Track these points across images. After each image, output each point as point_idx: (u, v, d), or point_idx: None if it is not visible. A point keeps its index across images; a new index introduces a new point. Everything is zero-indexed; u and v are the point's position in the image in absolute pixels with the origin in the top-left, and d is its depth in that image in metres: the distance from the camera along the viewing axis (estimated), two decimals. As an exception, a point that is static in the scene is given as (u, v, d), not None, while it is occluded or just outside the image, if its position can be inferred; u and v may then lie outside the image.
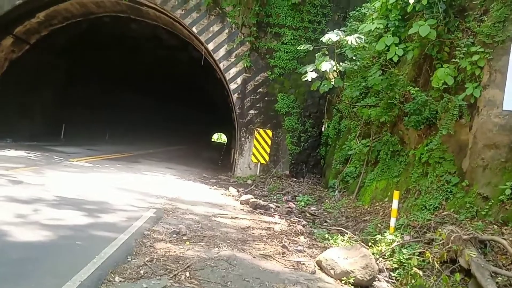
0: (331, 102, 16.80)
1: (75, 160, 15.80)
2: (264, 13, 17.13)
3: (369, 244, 7.52)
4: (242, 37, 17.16)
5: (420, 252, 6.87)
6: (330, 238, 8.20)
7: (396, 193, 8.18)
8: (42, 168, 12.49)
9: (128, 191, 10.74)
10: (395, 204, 8.10)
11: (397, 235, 7.59)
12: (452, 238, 6.26)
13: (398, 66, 11.45)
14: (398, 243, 7.26)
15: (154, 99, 40.33)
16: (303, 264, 6.52)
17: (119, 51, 27.57)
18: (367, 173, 12.05)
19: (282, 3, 17.18)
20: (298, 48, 11.57)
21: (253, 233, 7.99)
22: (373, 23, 9.76)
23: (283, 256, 6.75)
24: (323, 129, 15.71)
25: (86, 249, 5.72)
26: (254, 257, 6.47)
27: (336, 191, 12.90)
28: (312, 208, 11.59)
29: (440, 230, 6.75)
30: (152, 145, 31.13)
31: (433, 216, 7.92)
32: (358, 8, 14.50)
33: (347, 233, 8.37)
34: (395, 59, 9.34)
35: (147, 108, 41.77)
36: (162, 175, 15.56)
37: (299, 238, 8.04)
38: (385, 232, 8.02)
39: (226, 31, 17.34)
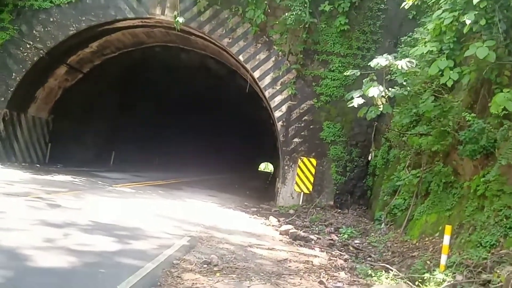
0: (379, 130, 16.10)
1: (118, 186, 15.90)
2: (311, 40, 16.89)
3: (416, 283, 6.79)
4: (289, 64, 16.95)
5: (475, 296, 6.10)
6: (373, 275, 7.51)
7: (448, 228, 7.41)
8: (84, 192, 12.57)
9: (164, 217, 10.52)
10: (446, 239, 7.33)
11: (448, 274, 6.81)
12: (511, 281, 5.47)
13: (452, 92, 10.73)
14: (449, 283, 6.50)
15: (203, 128, 40.83)
16: (342, 303, 5.91)
17: (169, 80, 28.19)
18: (417, 206, 11.22)
19: (330, 30, 16.89)
20: (345, 74, 11.14)
21: (289, 266, 7.46)
22: (425, 46, 9.17)
23: (320, 293, 6.18)
24: (370, 158, 14.98)
25: (108, 278, 5.42)
26: (288, 293, 5.94)
27: (383, 224, 12.10)
28: (356, 241, 10.89)
29: (498, 271, 5.94)
30: (199, 173, 31.27)
31: (489, 254, 7.08)
32: (410, 34, 13.93)
33: (392, 270, 7.64)
34: (450, 83, 8.68)
35: (196, 137, 42.33)
36: (203, 202, 15.33)
37: (339, 274, 7.42)
38: (434, 270, 7.25)
39: (273, 58, 17.20)
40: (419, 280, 6.78)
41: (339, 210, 15.46)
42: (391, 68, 10.90)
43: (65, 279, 5.19)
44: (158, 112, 32.04)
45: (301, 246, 9.68)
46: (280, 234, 10.78)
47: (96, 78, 21.47)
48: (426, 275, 6.83)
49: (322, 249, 9.57)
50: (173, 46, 20.98)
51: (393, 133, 14.13)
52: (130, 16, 17.32)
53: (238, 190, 23.80)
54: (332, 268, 7.66)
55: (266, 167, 73.20)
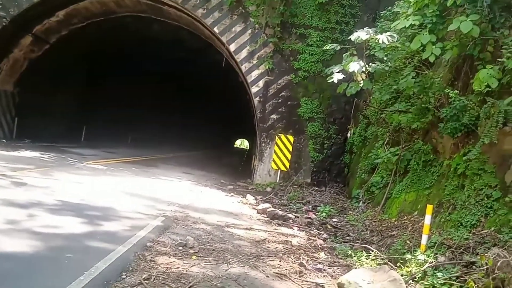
0: (358, 107, 15.92)
1: (89, 163, 15.32)
2: (289, 13, 16.39)
3: (398, 264, 6.65)
4: (266, 38, 16.46)
5: (457, 277, 5.97)
6: (353, 255, 7.36)
7: (429, 207, 7.28)
8: (52, 170, 11.99)
9: (138, 196, 10.11)
10: (427, 219, 7.19)
11: (430, 254, 6.68)
12: (498, 264, 5.35)
13: (433, 68, 10.53)
14: (431, 264, 6.36)
15: (177, 103, 40.01)
16: (323, 286, 5.71)
17: (141, 53, 27.27)
18: (395, 184, 11.12)
19: (308, 3, 16.43)
20: (324, 48, 10.79)
21: (268, 247, 7.22)
22: (407, 20, 8.87)
23: (300, 276, 5.95)
24: (348, 135, 14.79)
25: (75, 263, 5.04)
26: (268, 277, 5.70)
27: (361, 202, 12.01)
28: (334, 220, 10.76)
29: (483, 253, 5.83)
30: (174, 149, 30.67)
31: (470, 234, 6.99)
32: (390, 7, 13.61)
33: (372, 250, 7.49)
34: (432, 59, 8.43)
35: (170, 113, 41.52)
36: (178, 180, 14.94)
37: (319, 254, 7.23)
38: (415, 250, 7.13)
39: (249, 31, 16.68)
40: (401, 261, 6.63)
41: (316, 188, 15.31)
42: (370, 43, 10.63)
43: (27, 266, 4.78)
44: (130, 87, 31.07)
45: (279, 225, 9.46)
46: (258, 213, 10.54)
47: (63, 49, 20.47)
48: (407, 256, 6.69)
49: (301, 228, 9.38)
50: (145, 16, 20.12)
51: (372, 110, 13.96)
52: (99, -17, 16.47)
53: (213, 167, 23.46)
54: (312, 249, 7.47)
55: (242, 143, 72.89)
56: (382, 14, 14.02)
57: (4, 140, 17.79)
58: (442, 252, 6.67)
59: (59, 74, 21.84)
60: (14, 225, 6.04)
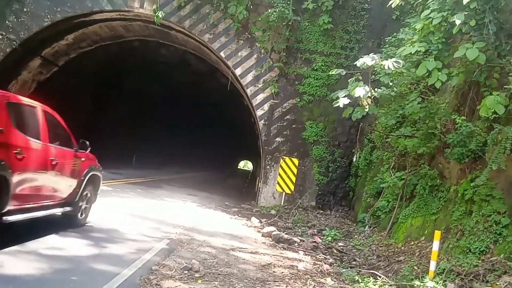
0: (363, 131, 15.96)
1: (94, 183, 15.31)
2: (294, 38, 16.61)
3: (407, 292, 6.57)
4: (271, 62, 16.63)
5: (467, 305, 5.90)
6: (360, 281, 7.26)
7: (437, 233, 7.21)
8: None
9: (143, 218, 10.09)
10: (435, 245, 7.12)
11: (439, 281, 6.59)
12: (509, 292, 5.29)
13: (438, 94, 10.61)
14: (440, 292, 6.30)
15: (183, 125, 40.23)
16: (331, 313, 5.64)
17: (148, 76, 27.58)
18: (401, 209, 11.07)
19: (313, 29, 16.64)
20: (330, 73, 10.89)
21: (274, 272, 7.15)
22: (413, 46, 8.96)
23: (307, 302, 5.89)
24: (354, 159, 14.75)
25: (81, 287, 5.01)
26: (274, 303, 5.63)
27: (367, 226, 11.92)
28: (340, 244, 10.67)
29: (493, 281, 5.76)
30: (178, 170, 30.71)
31: (480, 261, 6.93)
32: (395, 34, 13.77)
33: (380, 276, 7.41)
34: (438, 85, 8.48)
35: (175, 135, 41.71)
36: (183, 202, 14.91)
37: (325, 280, 7.15)
38: (423, 277, 7.04)
39: (255, 56, 16.86)
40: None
41: (321, 211, 15.24)
42: (375, 68, 10.73)
43: (33, 289, 4.77)
44: (136, 108, 31.35)
45: (284, 249, 9.40)
46: (263, 236, 10.48)
47: (72, 72, 20.74)
48: (416, 283, 6.60)
49: (306, 253, 9.31)
50: (153, 40, 20.40)
51: (377, 134, 13.99)
52: (108, 8, 16.71)
53: (218, 188, 23.42)
54: (318, 274, 7.39)
55: (245, 165, 72.87)
56: (387, 40, 14.16)
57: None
58: (451, 279, 6.59)
59: (66, 96, 22.06)
60: (20, 247, 6.02)
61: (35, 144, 6.58)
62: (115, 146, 29.99)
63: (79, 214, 8.19)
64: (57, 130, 7.56)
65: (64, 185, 7.58)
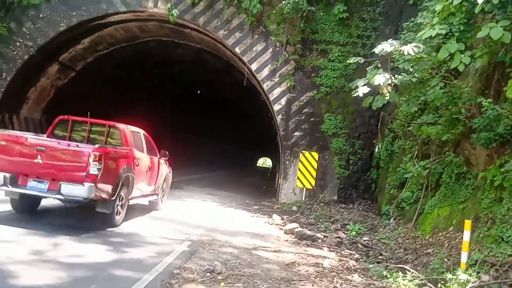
0: (383, 121, 15.58)
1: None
2: (309, 29, 16.27)
3: (438, 285, 6.28)
4: (287, 55, 16.35)
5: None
6: (389, 276, 6.99)
7: (467, 223, 6.91)
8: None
9: (163, 220, 10.00)
10: (466, 235, 6.81)
11: (472, 273, 6.29)
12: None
13: (460, 78, 10.20)
14: (475, 284, 6.00)
15: (200, 124, 40.22)
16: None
17: (165, 76, 27.57)
18: (427, 199, 10.71)
19: (328, 19, 16.28)
20: (348, 61, 10.58)
21: (298, 271, 6.94)
22: (433, 29, 8.59)
23: (334, 301, 5.66)
24: (376, 149, 14.37)
25: (100, 294, 4.90)
26: (300, 303, 5.43)
27: (391, 219, 11.60)
28: (365, 239, 10.38)
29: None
30: (197, 170, 30.50)
31: (514, 250, 6.59)
32: (412, 19, 13.35)
33: (409, 271, 7.12)
34: (461, 68, 8.11)
35: (193, 134, 41.70)
36: (203, 201, 14.79)
37: (352, 277, 6.90)
38: (455, 269, 6.74)
39: (270, 50, 16.61)
40: (441, 282, 6.25)
41: (344, 205, 14.94)
42: (393, 55, 10.40)
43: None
44: (154, 109, 31.39)
45: (308, 246, 9.17)
46: (285, 233, 10.27)
47: (89, 76, 20.82)
48: (448, 276, 6.30)
49: (331, 249, 9.07)
50: (168, 40, 20.33)
51: (398, 123, 13.62)
52: (122, 9, 16.69)
53: (237, 187, 23.28)
54: (344, 271, 7.15)
55: (264, 162, 72.64)
56: (404, 26, 13.75)
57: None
58: (485, 270, 6.28)
59: (85, 100, 22.16)
60: (38, 256, 5.96)
61: (142, 155, 9.97)
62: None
63: (160, 201, 11.74)
64: (149, 146, 10.95)
65: (153, 181, 10.93)
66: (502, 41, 7.56)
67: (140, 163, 9.63)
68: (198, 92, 32.37)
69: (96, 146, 7.95)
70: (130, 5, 16.72)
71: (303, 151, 15.89)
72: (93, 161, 7.58)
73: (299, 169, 15.76)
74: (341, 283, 6.39)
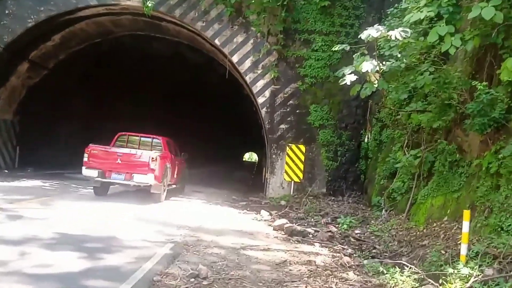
0: (371, 110, 15.23)
1: (94, 188, 14.72)
2: (291, 19, 15.81)
3: (440, 281, 5.89)
4: (269, 46, 15.87)
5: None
6: (385, 272, 6.58)
7: (466, 213, 6.51)
8: (53, 199, 11.38)
9: (145, 221, 9.46)
10: (465, 226, 6.42)
11: (474, 267, 5.90)
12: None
13: (448, 63, 9.84)
14: (478, 278, 5.62)
15: (182, 120, 39.50)
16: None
17: (143, 72, 26.85)
18: (419, 188, 10.38)
19: (310, 7, 15.84)
20: (333, 49, 10.14)
21: (290, 270, 6.49)
22: (421, 11, 8.19)
23: (330, 303, 5.23)
24: (365, 139, 13.98)
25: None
26: (294, 307, 4.98)
27: (383, 210, 11.24)
28: (357, 232, 10.01)
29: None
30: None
31: (517, 241, 6.23)
32: (396, 5, 12.98)
33: (407, 266, 6.73)
34: (452, 51, 7.74)
35: (175, 130, 40.94)
36: (188, 199, 14.28)
37: (348, 275, 6.48)
38: (455, 262, 6.37)
39: (251, 41, 16.11)
40: (442, 277, 5.86)
41: (333, 198, 14.58)
42: (379, 42, 10.01)
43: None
44: (134, 106, 30.61)
45: (299, 242, 8.75)
46: (274, 229, 9.83)
47: (63, 74, 20.04)
48: (449, 270, 5.92)
49: (323, 244, 8.65)
50: (144, 34, 19.66)
51: (386, 112, 13.28)
52: (93, 3, 15.96)
53: (223, 183, 22.80)
54: (339, 268, 6.73)
55: (250, 157, 72.24)
56: (389, 12, 13.37)
57: (6, 171, 17.25)
58: (488, 263, 5.91)
59: (60, 99, 21.41)
60: (2, 267, 5.37)
61: (171, 156, 14.03)
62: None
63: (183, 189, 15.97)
64: (175, 148, 15.14)
65: (177, 174, 14.72)
66: (494, 21, 7.22)
67: (171, 161, 13.83)
68: (186, 91, 31.76)
69: (153, 152, 12.82)
70: (101, -2, 16.05)
71: (290, 144, 15.49)
72: (151, 161, 12.21)
73: (286, 163, 15.35)
74: (336, 282, 5.96)
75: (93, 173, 12.24)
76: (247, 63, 16.14)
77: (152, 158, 12.19)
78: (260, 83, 16.04)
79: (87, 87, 23.36)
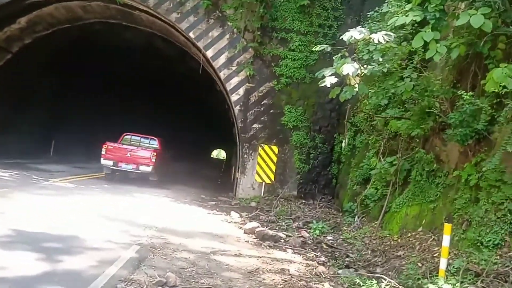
0: (345, 114, 15.07)
1: (56, 180, 13.98)
2: (269, 16, 15.48)
3: (419, 296, 5.67)
4: (245, 43, 15.49)
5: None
6: (362, 284, 6.32)
7: (447, 227, 6.31)
8: (11, 191, 10.62)
9: (108, 219, 8.89)
10: (446, 240, 6.22)
11: (456, 284, 5.69)
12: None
13: (428, 70, 9.71)
14: (459, 295, 5.42)
15: (151, 113, 38.57)
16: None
17: (113, 62, 25.96)
18: (393, 196, 10.24)
19: (289, 5, 15.54)
20: (314, 49, 9.84)
21: (263, 280, 6.13)
22: (407, 15, 7.99)
23: (307, 319, 4.91)
24: (343, 144, 13.73)
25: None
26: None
27: (356, 217, 11.06)
28: (329, 238, 9.79)
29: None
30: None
31: (498, 257, 6.09)
32: (377, 8, 12.84)
33: (384, 279, 6.49)
34: (437, 58, 7.55)
35: (144, 124, 40.02)
36: (155, 197, 13.71)
37: (323, 286, 6.19)
38: (433, 276, 6.18)
39: (227, 36, 15.68)
40: (421, 292, 5.64)
41: (304, 201, 14.34)
42: (358, 45, 9.80)
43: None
44: (102, 98, 29.61)
45: (271, 247, 8.40)
46: (245, 233, 9.45)
47: (28, 59, 19.05)
48: (430, 286, 5.70)
49: (295, 250, 8.35)
50: (115, 23, 18.85)
51: (361, 117, 13.13)
52: (63, -14, 15.22)
53: (191, 180, 22.26)
54: (313, 278, 6.42)
55: (219, 154, 71.58)
56: (369, 16, 13.22)
57: (-39, 158, 16.23)
58: (469, 280, 5.72)
59: (24, 85, 20.36)
60: None
61: (163, 152, 17.98)
62: (82, 138, 28.43)
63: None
64: (165, 145, 18.84)
65: (165, 166, 18.92)
66: (481, 30, 7.08)
67: (163, 156, 18.05)
68: (156, 82, 30.99)
69: (152, 149, 17.08)
70: (72, -18, 15.28)
71: (262, 144, 15.16)
72: (152, 156, 16.39)
73: (258, 163, 15.01)
74: (313, 295, 5.65)
75: (109, 163, 16.37)
76: (222, 58, 15.70)
77: (152, 154, 16.50)
78: (235, 80, 15.64)
79: (53, 74, 22.35)
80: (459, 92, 7.46)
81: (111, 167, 16.37)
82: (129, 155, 16.37)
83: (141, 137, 18.27)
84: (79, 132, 28.00)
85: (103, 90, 28.98)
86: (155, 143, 18.03)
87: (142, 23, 18.19)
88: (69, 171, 17.55)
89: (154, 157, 16.37)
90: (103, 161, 16.37)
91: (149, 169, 16.32)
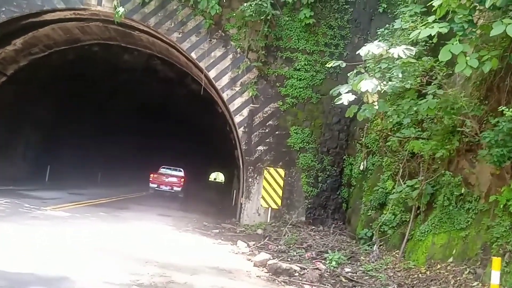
0: (354, 135, 14.38)
1: (49, 208, 13.09)
2: (273, 35, 14.90)
3: None
4: (249, 62, 14.86)
5: None
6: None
7: (496, 261, 5.54)
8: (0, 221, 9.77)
9: (105, 253, 8.02)
10: (495, 277, 5.44)
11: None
12: None
13: (448, 87, 9.03)
14: None
15: (150, 137, 37.88)
16: None
17: (111, 85, 25.40)
18: (415, 223, 9.44)
19: (294, 24, 14.98)
20: (328, 65, 9.18)
21: (285, 326, 5.28)
22: (432, 27, 7.33)
23: None
24: (361, 167, 12.86)
25: None
26: None
27: (375, 246, 10.20)
28: (347, 270, 8.92)
29: None
30: (146, 186, 28.30)
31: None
32: (387, 25, 12.26)
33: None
34: (468, 72, 6.87)
35: (143, 148, 39.33)
36: (154, 225, 12.81)
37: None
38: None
39: (230, 56, 15.08)
40: None
41: (314, 227, 13.46)
42: (367, 63, 9.21)
43: None
44: (100, 121, 28.96)
45: (286, 283, 7.56)
46: (255, 266, 8.60)
47: (24, 82, 18.41)
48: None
49: (313, 286, 7.49)
50: (114, 44, 18.29)
51: (372, 138, 12.44)
52: (60, 6, 14.60)
53: (192, 204, 21.39)
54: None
55: (217, 177, 70.65)
56: (379, 32, 12.61)
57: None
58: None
59: (19, 109, 19.68)
60: None
61: (185, 177, 28.34)
62: (78, 163, 27.66)
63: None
64: (186, 172, 28.92)
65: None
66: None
67: (185, 179, 27.21)
68: (154, 105, 30.76)
69: (180, 176, 27.15)
70: (69, 2, 14.73)
71: (268, 167, 14.39)
72: (180, 181, 26.58)
73: (264, 187, 14.21)
74: None
75: (154, 185, 25.66)
76: (225, 79, 15.07)
77: (181, 179, 26.27)
78: (238, 101, 14.97)
79: (49, 97, 21.70)
80: (500, 108, 6.71)
81: (155, 189, 25.47)
82: (167, 180, 25.94)
83: (172, 168, 27.84)
84: (76, 156, 27.27)
85: (100, 115, 28.39)
86: (181, 172, 27.79)
87: (142, 44, 17.66)
88: (64, 198, 16.67)
89: (182, 181, 26.19)
90: (151, 185, 25.66)
91: (179, 189, 25.85)
